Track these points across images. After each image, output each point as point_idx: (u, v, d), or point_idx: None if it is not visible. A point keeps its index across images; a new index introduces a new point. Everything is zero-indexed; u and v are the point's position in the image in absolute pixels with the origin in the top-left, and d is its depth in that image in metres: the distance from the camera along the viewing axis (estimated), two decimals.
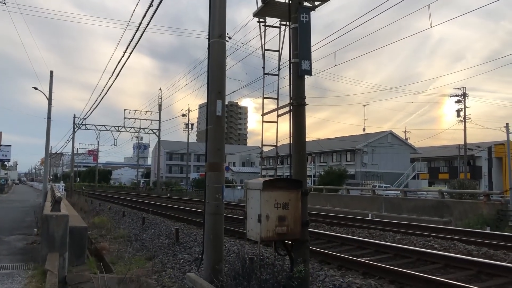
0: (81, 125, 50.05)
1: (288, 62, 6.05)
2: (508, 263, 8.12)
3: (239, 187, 47.46)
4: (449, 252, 9.52)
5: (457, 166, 53.94)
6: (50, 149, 32.80)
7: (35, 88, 26.53)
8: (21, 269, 8.78)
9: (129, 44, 14.68)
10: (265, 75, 6.70)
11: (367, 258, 8.69)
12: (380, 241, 11.04)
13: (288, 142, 5.98)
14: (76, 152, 72.61)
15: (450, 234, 12.61)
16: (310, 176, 49.88)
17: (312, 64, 5.85)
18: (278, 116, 6.46)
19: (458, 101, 48.76)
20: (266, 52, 6.72)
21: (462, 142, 47.86)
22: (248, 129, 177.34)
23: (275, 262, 5.95)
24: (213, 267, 7.13)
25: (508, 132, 23.13)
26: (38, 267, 8.57)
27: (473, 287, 6.11)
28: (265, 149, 7.51)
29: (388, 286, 6.39)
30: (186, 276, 7.38)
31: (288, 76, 6.01)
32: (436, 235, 12.11)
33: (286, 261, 5.98)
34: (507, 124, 23.37)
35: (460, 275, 7.29)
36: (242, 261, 5.48)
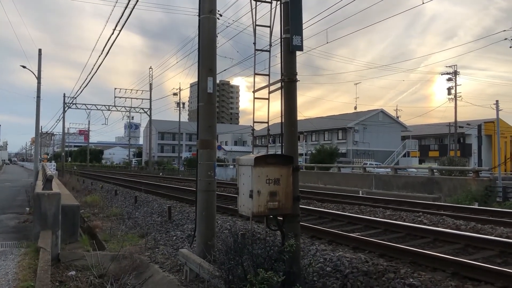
0: (71, 104, 49.63)
1: (279, 40, 6.01)
2: (495, 236, 8.30)
3: (231, 166, 47.55)
4: (438, 227, 9.68)
5: (448, 143, 54.43)
6: (40, 128, 32.49)
7: (24, 67, 26.15)
8: (14, 247, 8.82)
9: (118, 21, 14.51)
10: (256, 51, 6.66)
11: (357, 233, 8.82)
12: (370, 216, 11.19)
13: (280, 122, 5.98)
14: (67, 131, 72.14)
15: (439, 210, 12.81)
16: (301, 154, 50.10)
17: (304, 41, 5.82)
18: (269, 92, 6.44)
19: (449, 79, 48.87)
20: (258, 30, 6.66)
21: (453, 120, 48.16)
22: (240, 108, 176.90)
23: (267, 237, 6.02)
24: (206, 243, 7.21)
25: (497, 110, 23.31)
26: (31, 245, 8.61)
27: (460, 259, 6.25)
28: (257, 127, 7.53)
29: (377, 259, 6.50)
30: (179, 252, 7.46)
31: (280, 54, 5.98)
32: (426, 211, 12.29)
33: (277, 237, 6.05)
34: (497, 101, 23.52)
35: (449, 249, 7.44)
36: (234, 236, 5.53)
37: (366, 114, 59.50)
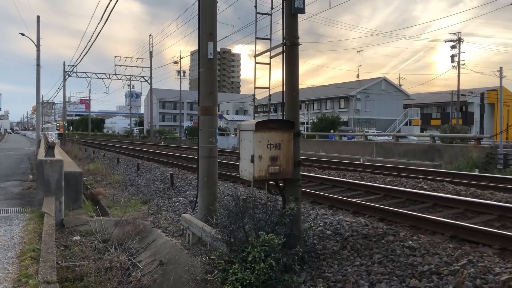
0: (71, 73, 49.27)
1: (281, 4, 5.90)
2: (494, 201, 8.36)
3: (232, 135, 47.61)
4: (438, 192, 9.76)
5: (450, 112, 54.23)
6: (41, 97, 32.36)
7: (22, 34, 25.84)
8: (19, 212, 8.94)
9: None
10: (257, 15, 6.55)
11: (357, 199, 8.91)
12: (371, 183, 11.27)
13: (281, 90, 5.94)
14: (67, 100, 71.92)
15: (440, 176, 12.87)
16: (303, 123, 50.03)
17: (306, 6, 5.72)
18: (270, 57, 6.37)
19: (453, 47, 48.28)
20: None
21: (456, 88, 47.82)
22: (241, 77, 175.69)
23: (268, 202, 6.08)
24: (208, 207, 7.30)
25: (501, 77, 23.08)
26: (35, 211, 8.73)
27: (459, 222, 6.33)
28: (258, 96, 7.49)
29: (377, 223, 6.59)
30: (182, 217, 7.56)
31: (281, 19, 5.88)
32: (426, 177, 12.36)
33: (278, 202, 6.11)
34: (500, 68, 23.27)
35: (448, 213, 7.53)
36: (236, 200, 5.59)
37: (368, 83, 59.07)
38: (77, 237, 8.13)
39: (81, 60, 39.70)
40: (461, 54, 47.52)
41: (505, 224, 6.71)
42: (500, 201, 8.50)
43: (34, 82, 25.35)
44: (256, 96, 7.94)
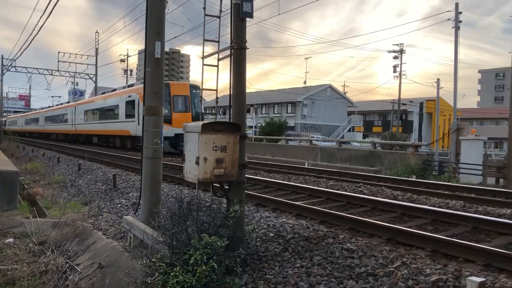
0: (10, 67, 46.78)
1: (230, 7, 5.93)
2: (428, 206, 8.80)
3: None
4: (376, 196, 10.12)
5: (391, 120, 56.46)
6: None
7: None
8: None
9: None
10: (206, 17, 6.56)
11: (300, 202, 9.08)
12: (314, 186, 11.51)
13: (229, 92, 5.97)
14: (5, 96, 68.25)
15: (379, 181, 13.35)
16: (251, 127, 50.32)
17: (256, 11, 5.82)
18: (218, 59, 6.40)
19: (395, 57, 50.37)
20: None
21: (397, 97, 49.88)
22: (190, 78, 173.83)
23: (212, 205, 6.08)
24: (151, 210, 7.18)
25: (438, 87, 24.36)
26: None
27: (395, 226, 6.61)
28: (207, 98, 7.48)
29: (318, 226, 6.75)
30: (123, 219, 7.40)
31: (230, 22, 5.92)
32: (366, 182, 12.78)
33: (223, 204, 6.12)
34: (438, 79, 24.56)
35: (385, 217, 7.83)
36: (179, 202, 5.55)
37: (315, 89, 60.40)
38: (11, 240, 7.75)
39: (21, 54, 37.64)
40: (402, 65, 49.68)
41: (438, 228, 7.08)
42: (434, 206, 8.94)
43: None
44: (204, 98, 7.93)
